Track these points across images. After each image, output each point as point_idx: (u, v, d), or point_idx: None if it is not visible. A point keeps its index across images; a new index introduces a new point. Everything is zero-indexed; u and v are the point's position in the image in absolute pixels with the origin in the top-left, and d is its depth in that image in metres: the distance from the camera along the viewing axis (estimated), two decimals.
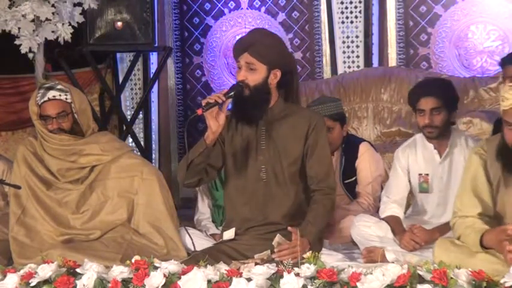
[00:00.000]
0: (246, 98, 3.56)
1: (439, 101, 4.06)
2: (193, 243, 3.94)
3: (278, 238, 3.54)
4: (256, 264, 3.00)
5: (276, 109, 3.67)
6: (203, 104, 3.44)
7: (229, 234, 3.70)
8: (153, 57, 7.16)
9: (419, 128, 4.18)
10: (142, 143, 7.06)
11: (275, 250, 3.45)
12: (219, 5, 6.99)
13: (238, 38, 3.76)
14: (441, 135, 4.13)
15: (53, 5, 5.55)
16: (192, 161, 3.53)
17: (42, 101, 4.16)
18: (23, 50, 5.56)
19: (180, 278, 2.96)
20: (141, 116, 7.18)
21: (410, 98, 4.19)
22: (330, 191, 3.67)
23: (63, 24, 5.62)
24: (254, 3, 6.88)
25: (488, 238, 3.14)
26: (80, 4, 5.72)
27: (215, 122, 3.46)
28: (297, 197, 3.67)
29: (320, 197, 3.64)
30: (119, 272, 3.04)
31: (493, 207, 3.32)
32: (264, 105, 3.63)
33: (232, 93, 3.50)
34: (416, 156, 4.25)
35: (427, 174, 4.21)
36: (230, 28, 6.97)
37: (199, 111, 3.42)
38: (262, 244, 3.53)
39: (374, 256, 4.02)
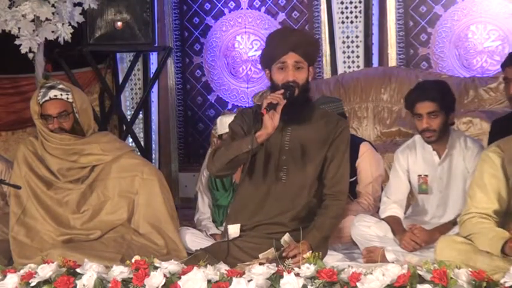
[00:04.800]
0: (296, 98, 3.56)
1: (436, 105, 4.04)
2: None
3: (287, 237, 3.56)
4: (260, 264, 3.01)
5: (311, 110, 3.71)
6: (265, 105, 3.45)
7: (234, 229, 3.69)
8: (153, 57, 7.16)
9: (418, 132, 4.17)
10: (142, 143, 7.06)
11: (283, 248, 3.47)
12: (219, 5, 7.00)
13: (277, 37, 3.71)
14: (440, 137, 4.13)
15: (53, 5, 5.55)
16: (237, 157, 3.54)
17: (43, 100, 4.16)
18: (23, 50, 5.56)
19: (180, 278, 2.96)
20: (141, 116, 7.19)
21: (407, 103, 4.18)
22: (340, 196, 3.69)
23: (63, 24, 5.62)
24: (254, 3, 6.89)
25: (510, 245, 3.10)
26: (80, 4, 5.72)
27: (272, 123, 3.47)
28: (309, 201, 3.68)
29: (330, 202, 3.67)
30: (119, 272, 3.04)
31: (509, 203, 3.30)
32: (310, 104, 3.69)
33: (288, 93, 3.51)
34: (415, 157, 4.25)
35: (427, 176, 4.20)
36: (230, 28, 6.98)
37: (264, 112, 3.45)
38: (267, 243, 3.54)
39: (374, 256, 4.02)
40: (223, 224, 4.14)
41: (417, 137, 4.27)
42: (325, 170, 3.68)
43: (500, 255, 3.10)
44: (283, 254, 3.43)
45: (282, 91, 3.50)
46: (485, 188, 3.29)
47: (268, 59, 3.66)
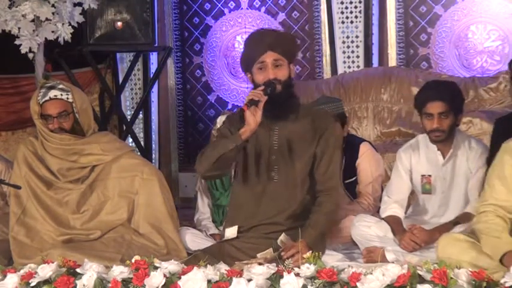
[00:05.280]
0: (279, 94, 3.59)
1: (447, 105, 4.03)
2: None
3: (283, 237, 3.56)
4: (259, 264, 3.01)
5: (297, 107, 3.73)
6: (246, 101, 3.48)
7: (231, 232, 3.70)
8: (153, 57, 7.16)
9: (425, 131, 4.15)
10: (142, 143, 7.06)
11: (281, 249, 3.47)
12: (219, 5, 6.99)
13: (253, 39, 3.75)
14: (446, 138, 4.12)
15: (53, 5, 5.55)
16: (223, 155, 3.55)
17: (43, 100, 4.16)
18: (23, 50, 5.56)
19: (180, 278, 2.96)
20: (141, 116, 7.18)
21: (417, 102, 4.15)
22: (332, 192, 3.71)
23: (63, 24, 5.62)
24: (254, 3, 6.88)
25: (509, 260, 3.06)
26: (80, 4, 5.72)
27: (254, 119, 3.49)
28: (303, 198, 3.70)
29: (323, 198, 3.69)
30: (119, 272, 3.04)
31: None
32: (294, 100, 3.70)
33: (269, 90, 3.53)
34: (419, 157, 4.24)
35: (430, 176, 4.20)
36: (230, 28, 6.97)
37: (245, 108, 3.48)
38: (265, 243, 3.54)
39: (374, 256, 4.02)
40: (223, 225, 4.14)
41: (420, 137, 4.26)
42: (316, 166, 3.70)
43: (499, 263, 3.09)
44: (282, 255, 3.44)
45: (262, 87, 3.54)
46: (505, 180, 3.25)
47: (248, 61, 3.70)
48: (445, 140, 4.11)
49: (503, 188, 3.26)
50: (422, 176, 4.22)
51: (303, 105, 3.85)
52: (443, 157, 4.16)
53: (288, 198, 3.67)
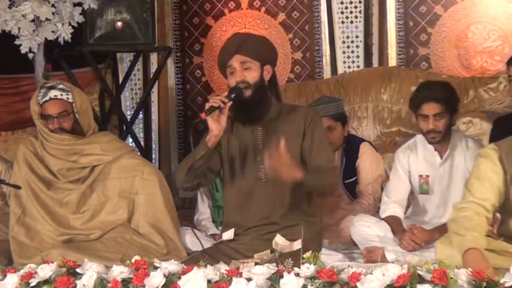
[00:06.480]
0: (248, 98, 3.56)
1: (442, 106, 4.03)
2: (200, 242, 3.90)
3: (278, 239, 3.55)
4: (256, 264, 3.00)
5: (270, 108, 3.69)
6: (206, 108, 3.42)
7: (228, 234, 3.70)
8: (153, 57, 7.16)
9: (422, 133, 4.16)
10: (142, 143, 7.06)
11: (275, 250, 3.46)
12: (219, 5, 6.99)
13: (223, 45, 3.73)
14: (443, 138, 4.12)
15: (53, 5, 5.55)
16: (193, 165, 3.53)
17: (43, 100, 4.17)
18: (23, 50, 5.56)
19: (180, 278, 2.95)
20: (141, 116, 7.18)
21: (412, 104, 4.15)
22: (332, 171, 3.65)
23: (63, 24, 5.62)
24: (254, 3, 6.88)
25: (470, 257, 3.05)
26: (80, 4, 5.72)
27: (217, 125, 3.45)
28: (295, 196, 3.67)
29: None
30: (119, 272, 3.04)
31: (507, 199, 3.28)
32: (266, 103, 3.65)
33: (233, 95, 3.50)
34: (417, 157, 4.24)
35: (428, 176, 4.20)
36: (230, 28, 6.97)
37: (203, 115, 3.40)
38: (262, 244, 3.53)
39: (374, 256, 4.02)
40: (221, 230, 4.14)
41: (418, 137, 4.27)
42: (308, 161, 3.63)
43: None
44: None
45: (225, 93, 3.50)
46: (482, 179, 3.28)
47: (221, 68, 3.69)
48: (441, 140, 4.11)
49: (480, 186, 3.28)
50: (420, 176, 4.22)
51: (284, 103, 3.83)
52: (441, 157, 4.17)
53: (278, 197, 3.64)
